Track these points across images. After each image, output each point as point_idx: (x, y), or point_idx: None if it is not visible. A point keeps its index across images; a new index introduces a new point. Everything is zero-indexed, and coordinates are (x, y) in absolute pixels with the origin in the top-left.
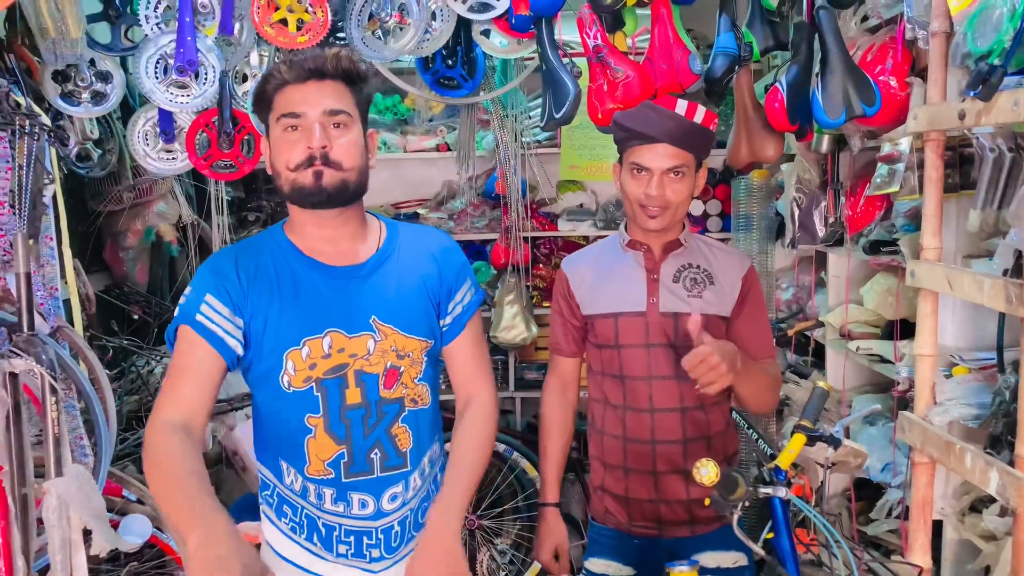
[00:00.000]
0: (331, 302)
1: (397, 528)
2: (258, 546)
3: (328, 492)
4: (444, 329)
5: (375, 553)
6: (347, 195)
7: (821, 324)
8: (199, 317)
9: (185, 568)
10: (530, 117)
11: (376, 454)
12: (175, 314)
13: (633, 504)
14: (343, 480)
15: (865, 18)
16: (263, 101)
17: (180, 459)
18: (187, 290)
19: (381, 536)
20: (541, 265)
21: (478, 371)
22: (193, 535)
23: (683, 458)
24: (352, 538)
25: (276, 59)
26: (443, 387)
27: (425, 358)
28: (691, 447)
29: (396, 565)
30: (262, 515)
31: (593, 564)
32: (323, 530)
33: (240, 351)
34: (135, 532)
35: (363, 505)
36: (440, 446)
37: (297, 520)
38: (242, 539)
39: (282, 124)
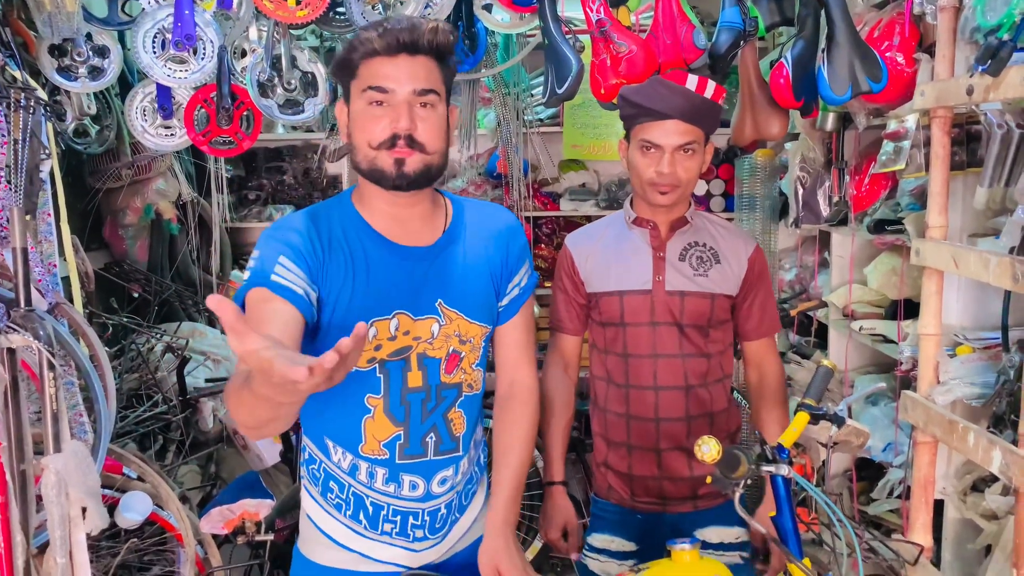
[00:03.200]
0: (401, 284)
1: (443, 511)
2: (275, 525)
3: (380, 472)
4: (499, 310)
5: (419, 534)
6: (428, 179)
7: (824, 304)
8: (275, 278)
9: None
10: (532, 95)
11: (431, 438)
12: (245, 280)
13: (636, 481)
14: (397, 461)
15: None
16: (347, 67)
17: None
18: (253, 254)
19: (427, 518)
20: (543, 245)
21: (524, 356)
22: None
23: (686, 435)
24: (399, 518)
25: (276, 34)
26: None
27: (483, 344)
28: (694, 424)
29: (437, 546)
30: (303, 489)
31: (596, 539)
32: (371, 508)
33: (315, 316)
34: (135, 509)
35: (413, 487)
36: (482, 428)
37: (344, 497)
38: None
39: (367, 97)
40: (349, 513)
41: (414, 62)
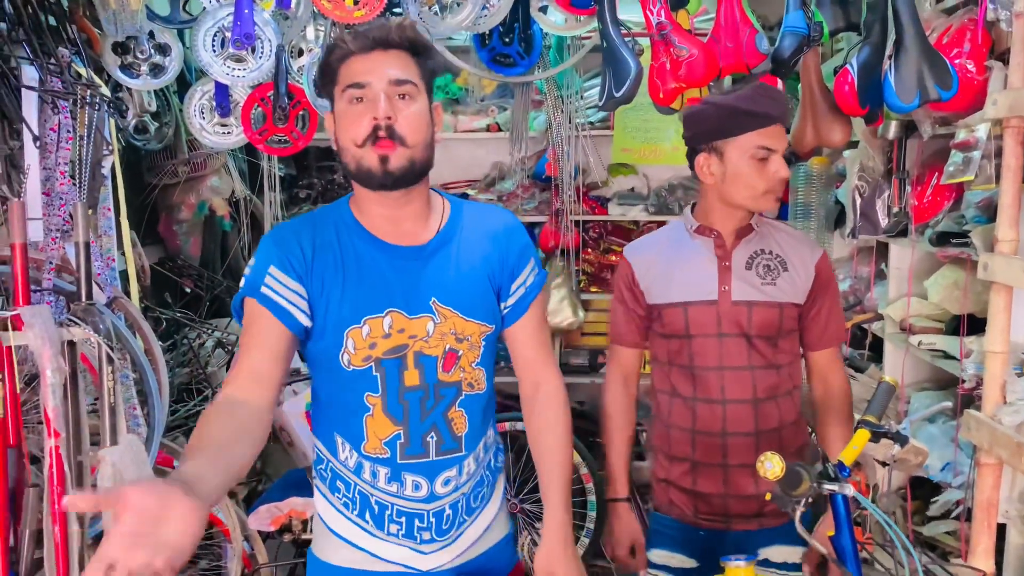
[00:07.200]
0: (393, 282)
1: (448, 512)
2: (305, 522)
3: (383, 471)
4: (506, 311)
5: (425, 536)
6: (413, 175)
7: (880, 317)
8: (264, 289)
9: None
10: (583, 98)
11: (432, 437)
12: (241, 284)
13: (700, 497)
14: (398, 461)
15: None
16: (327, 73)
17: (202, 431)
18: (251, 261)
19: (432, 519)
20: (590, 249)
21: (542, 354)
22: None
23: (755, 451)
24: (403, 519)
25: (332, 34)
26: (502, 368)
27: (483, 343)
28: (763, 439)
29: (445, 548)
30: (315, 489)
31: (656, 555)
32: (375, 508)
33: (307, 322)
34: None
35: (416, 487)
36: (494, 432)
37: (350, 496)
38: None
39: (347, 96)
40: (356, 512)
41: (388, 55)
